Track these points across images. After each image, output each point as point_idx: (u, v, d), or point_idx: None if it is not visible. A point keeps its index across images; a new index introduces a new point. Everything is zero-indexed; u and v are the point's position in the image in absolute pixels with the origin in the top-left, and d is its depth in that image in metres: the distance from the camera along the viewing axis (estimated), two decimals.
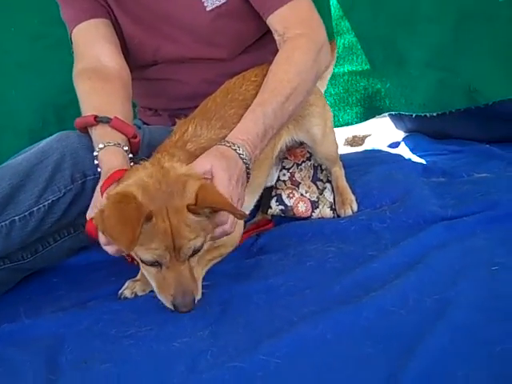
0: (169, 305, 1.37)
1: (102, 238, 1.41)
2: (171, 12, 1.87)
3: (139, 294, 1.57)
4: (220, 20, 1.86)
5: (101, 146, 1.55)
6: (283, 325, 1.31)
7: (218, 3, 1.84)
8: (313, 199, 1.95)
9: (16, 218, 1.58)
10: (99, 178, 1.56)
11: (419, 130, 2.73)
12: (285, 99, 1.62)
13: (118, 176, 1.45)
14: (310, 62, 1.70)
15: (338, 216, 1.94)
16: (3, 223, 1.57)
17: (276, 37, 1.79)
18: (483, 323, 1.20)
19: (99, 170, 1.54)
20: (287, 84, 1.64)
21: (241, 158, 1.49)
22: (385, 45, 2.49)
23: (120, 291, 1.59)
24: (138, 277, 1.62)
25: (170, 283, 1.36)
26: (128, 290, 1.58)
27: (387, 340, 1.21)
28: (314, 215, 1.95)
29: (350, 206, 1.92)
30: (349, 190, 1.97)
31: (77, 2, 1.86)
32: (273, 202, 1.94)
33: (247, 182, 1.54)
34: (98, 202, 1.44)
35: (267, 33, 1.88)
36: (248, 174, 1.53)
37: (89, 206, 1.60)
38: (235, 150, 1.48)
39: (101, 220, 1.32)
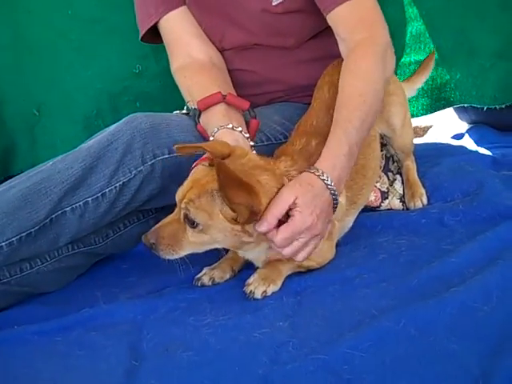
0: None
1: None
2: (239, 1, 1.88)
3: (217, 280, 1.59)
4: (285, 13, 1.85)
5: (215, 129, 1.61)
6: (364, 318, 1.31)
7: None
8: (383, 189, 1.93)
9: (89, 199, 1.61)
10: (169, 158, 1.64)
11: (484, 122, 2.65)
12: (363, 114, 1.59)
13: None
14: (377, 71, 1.66)
15: (407, 209, 1.91)
16: (77, 204, 1.61)
17: (338, 40, 1.76)
18: None
19: None
20: (360, 97, 1.60)
21: (328, 188, 1.47)
22: (454, 33, 2.39)
23: (197, 276, 1.60)
24: (217, 264, 1.63)
25: None
26: (206, 276, 1.60)
27: (473, 337, 1.19)
28: (383, 206, 1.93)
29: (420, 199, 1.89)
30: (419, 184, 1.94)
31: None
32: None
33: (334, 211, 1.53)
34: None
35: None
36: (335, 204, 1.51)
37: (158, 188, 1.68)
38: (323, 180, 1.45)
39: None
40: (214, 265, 1.63)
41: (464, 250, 1.53)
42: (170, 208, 1.83)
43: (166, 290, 1.60)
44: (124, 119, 1.69)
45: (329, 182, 1.46)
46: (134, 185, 1.64)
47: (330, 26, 1.88)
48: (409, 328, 1.23)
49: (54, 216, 1.60)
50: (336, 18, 1.75)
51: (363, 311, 1.34)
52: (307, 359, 1.19)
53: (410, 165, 1.98)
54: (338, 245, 1.69)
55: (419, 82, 2.20)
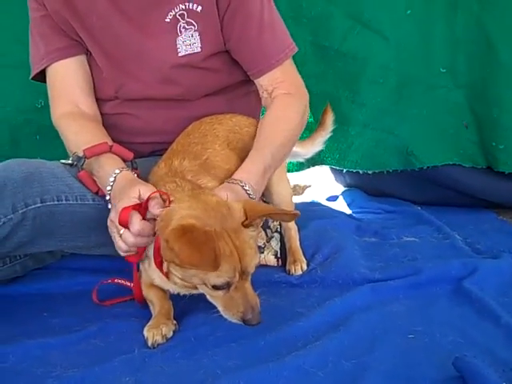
0: (237, 321, 1.49)
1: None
2: (143, 51, 1.90)
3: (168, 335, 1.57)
4: (189, 66, 1.89)
5: (117, 171, 1.66)
6: (207, 377, 1.36)
7: (190, 51, 1.87)
8: (259, 244, 2.02)
9: None
10: (41, 207, 1.66)
11: (357, 186, 2.85)
12: (280, 145, 1.84)
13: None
14: (299, 119, 1.92)
15: (289, 272, 1.97)
16: None
17: (263, 93, 1.94)
18: None
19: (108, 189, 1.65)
20: (281, 133, 1.86)
21: (247, 193, 1.66)
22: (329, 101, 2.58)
23: (150, 342, 1.54)
24: (152, 322, 1.61)
25: (238, 302, 1.47)
26: (158, 336, 1.55)
27: None
28: None
29: (300, 266, 1.98)
30: (301, 252, 2.04)
31: (52, 40, 1.93)
32: None
33: None
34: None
35: (232, 82, 1.98)
36: None
37: (28, 236, 1.68)
38: (242, 186, 1.66)
39: (174, 256, 1.40)
40: (150, 323, 1.61)
41: (313, 315, 1.63)
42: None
43: (19, 338, 1.57)
44: None
45: (247, 188, 1.66)
46: (2, 232, 1.63)
47: (227, 88, 2.00)
48: None
49: None
50: (265, 79, 1.92)
51: (208, 370, 1.39)
52: None
53: (293, 233, 2.07)
54: (196, 302, 1.74)
55: (319, 136, 2.31)
